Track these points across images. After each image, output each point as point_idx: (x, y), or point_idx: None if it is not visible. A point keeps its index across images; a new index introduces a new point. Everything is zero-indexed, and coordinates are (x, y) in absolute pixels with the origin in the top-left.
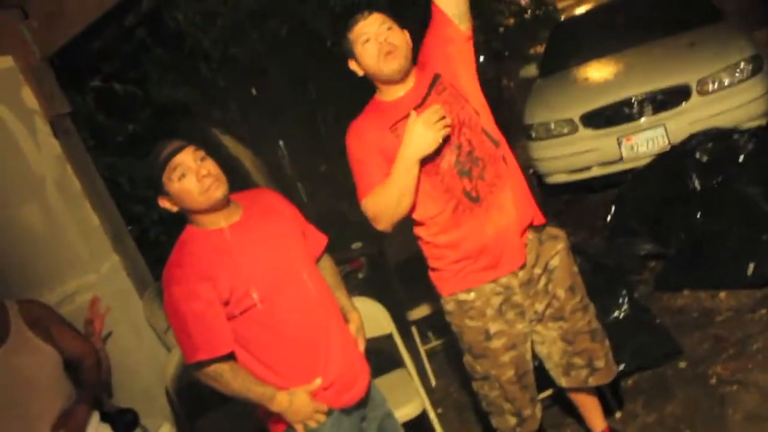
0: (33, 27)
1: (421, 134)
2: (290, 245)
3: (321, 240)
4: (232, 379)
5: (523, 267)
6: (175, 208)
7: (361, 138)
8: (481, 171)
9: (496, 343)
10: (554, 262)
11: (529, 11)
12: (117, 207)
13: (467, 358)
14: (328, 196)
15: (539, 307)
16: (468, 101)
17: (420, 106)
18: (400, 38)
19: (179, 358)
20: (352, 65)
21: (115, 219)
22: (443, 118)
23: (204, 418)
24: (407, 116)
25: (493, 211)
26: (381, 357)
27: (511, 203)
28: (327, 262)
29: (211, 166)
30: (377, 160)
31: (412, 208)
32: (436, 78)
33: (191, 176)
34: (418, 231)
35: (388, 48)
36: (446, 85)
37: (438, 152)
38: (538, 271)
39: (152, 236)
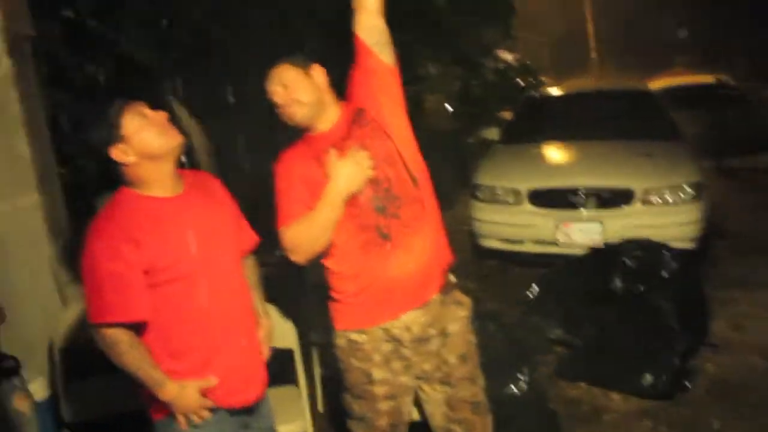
0: None
1: (350, 173)
2: (224, 233)
3: (252, 238)
4: (126, 351)
5: (422, 306)
6: (129, 157)
7: (287, 168)
8: (397, 210)
9: (377, 390)
10: (452, 327)
11: (513, 75)
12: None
13: (346, 397)
14: (267, 191)
15: (427, 367)
16: (390, 137)
17: (344, 139)
18: (295, 91)
19: (75, 315)
20: None
21: (47, 156)
22: (369, 158)
23: (82, 383)
24: (330, 148)
25: (400, 252)
26: (275, 369)
27: (420, 247)
28: (251, 262)
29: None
30: (300, 191)
31: None
32: (359, 112)
33: (153, 116)
34: (326, 261)
35: (286, 105)
36: (369, 119)
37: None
38: (432, 331)
39: (80, 186)
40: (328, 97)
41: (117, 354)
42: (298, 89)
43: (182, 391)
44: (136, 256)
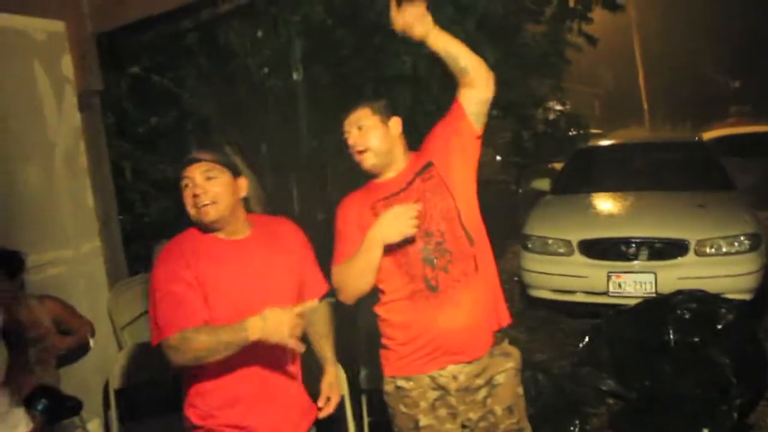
0: (95, 2)
1: (391, 223)
2: (279, 284)
3: (321, 287)
4: (197, 334)
5: (470, 363)
6: None
7: (345, 212)
8: (446, 263)
9: None
10: (499, 378)
11: (564, 126)
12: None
13: None
14: (319, 242)
15: (473, 416)
16: (452, 195)
17: (404, 191)
18: (370, 138)
19: (131, 357)
20: None
21: (109, 204)
22: (416, 217)
23: (136, 425)
24: (387, 198)
25: (448, 305)
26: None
27: (470, 303)
28: (322, 309)
29: (216, 186)
30: (354, 234)
31: (376, 285)
32: (427, 165)
33: (191, 189)
34: (377, 309)
35: (358, 149)
36: (434, 174)
37: (410, 236)
38: (480, 382)
39: (140, 232)
40: (399, 148)
41: (191, 345)
42: (372, 136)
43: (267, 317)
44: (194, 279)
